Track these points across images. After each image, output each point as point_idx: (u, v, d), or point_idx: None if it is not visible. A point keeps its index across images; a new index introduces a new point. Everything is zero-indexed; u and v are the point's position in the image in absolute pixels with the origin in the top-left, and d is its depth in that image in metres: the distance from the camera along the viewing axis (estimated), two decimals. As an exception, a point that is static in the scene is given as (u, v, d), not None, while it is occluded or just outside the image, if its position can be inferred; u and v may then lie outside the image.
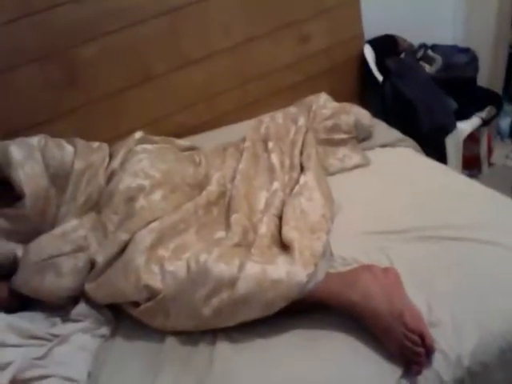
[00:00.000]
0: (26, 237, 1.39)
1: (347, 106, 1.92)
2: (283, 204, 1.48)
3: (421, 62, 2.39)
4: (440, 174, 1.72)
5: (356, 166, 1.77)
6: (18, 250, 1.37)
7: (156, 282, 1.21)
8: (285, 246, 1.31)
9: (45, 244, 1.35)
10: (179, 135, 2.02)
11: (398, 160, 1.81)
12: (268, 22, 2.20)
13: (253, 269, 1.18)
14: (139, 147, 1.59)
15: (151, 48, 2.03)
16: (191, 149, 1.82)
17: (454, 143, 2.30)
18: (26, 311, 1.35)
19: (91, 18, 1.90)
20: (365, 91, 2.42)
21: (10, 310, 1.33)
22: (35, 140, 1.52)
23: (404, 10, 2.48)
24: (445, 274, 1.27)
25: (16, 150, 1.46)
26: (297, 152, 1.70)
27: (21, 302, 1.35)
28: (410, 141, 1.93)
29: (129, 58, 2.01)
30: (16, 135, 1.61)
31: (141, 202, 1.39)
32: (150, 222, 1.32)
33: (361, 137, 1.88)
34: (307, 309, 1.22)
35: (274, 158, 1.67)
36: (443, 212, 1.48)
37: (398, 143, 1.89)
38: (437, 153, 2.14)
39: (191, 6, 2.04)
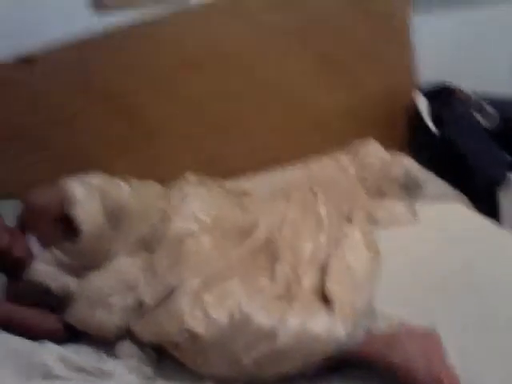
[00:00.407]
0: (81, 271, 1.47)
1: (397, 157, 1.93)
2: (328, 256, 1.49)
3: (475, 114, 2.37)
4: (491, 233, 1.68)
5: (404, 219, 1.77)
6: (72, 284, 1.44)
7: (199, 327, 1.25)
8: (327, 300, 1.32)
9: (97, 280, 1.42)
10: (230, 176, 2.08)
11: (447, 215, 1.79)
12: (322, 66, 2.25)
13: (293, 322, 1.20)
14: (192, 190, 1.65)
15: (209, 92, 2.12)
16: (241, 192, 1.87)
17: (507, 198, 2.26)
18: (74, 343, 1.41)
19: (154, 61, 2.01)
20: (416, 141, 2.42)
21: (60, 340, 1.39)
22: (95, 179, 1.61)
23: (462, 58, 2.47)
24: (490, 342, 1.24)
25: (77, 187, 1.55)
26: (345, 203, 1.72)
27: (71, 334, 1.42)
28: (460, 195, 1.91)
29: (188, 100, 2.11)
30: (77, 169, 1.72)
31: (190, 246, 1.44)
32: (198, 268, 1.37)
33: (410, 189, 1.88)
34: (346, 366, 1.23)
35: (322, 209, 1.69)
36: (494, 275, 1.45)
37: (447, 197, 1.88)
38: (489, 208, 2.11)
39: (248, 53, 2.11)
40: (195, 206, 1.57)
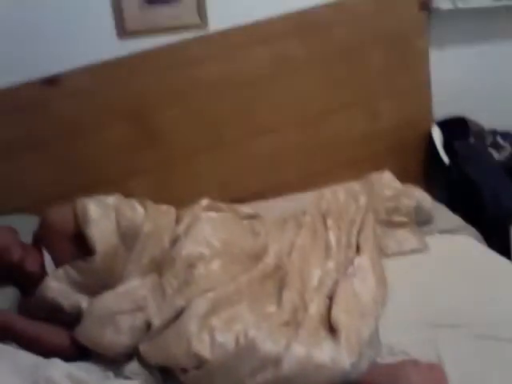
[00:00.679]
0: (93, 290, 1.49)
1: (409, 188, 1.94)
2: (336, 284, 1.50)
3: (489, 148, 2.39)
4: (502, 268, 1.68)
5: (413, 251, 1.78)
6: (84, 302, 1.47)
7: (205, 351, 1.27)
8: (333, 328, 1.33)
9: (108, 300, 1.44)
10: (243, 200, 2.12)
11: (457, 248, 1.80)
12: (340, 96, 2.29)
13: (298, 351, 1.22)
14: (204, 214, 1.68)
15: (227, 116, 2.17)
16: (253, 217, 1.89)
17: (519, 232, 2.25)
18: (83, 361, 1.43)
19: (175, 84, 2.06)
20: (430, 172, 2.43)
21: (69, 358, 1.41)
22: (111, 199, 1.65)
23: (476, 91, 2.49)
24: (496, 378, 1.24)
25: (93, 207, 1.58)
26: (355, 231, 1.74)
27: (80, 352, 1.44)
28: (471, 229, 1.91)
29: (204, 124, 2.16)
30: (95, 188, 1.76)
31: (200, 269, 1.47)
32: (207, 291, 1.39)
33: (421, 221, 1.89)
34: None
35: (332, 236, 1.71)
36: (501, 310, 1.45)
37: (458, 230, 1.89)
38: (501, 242, 2.10)
39: (267, 79, 2.16)
40: (207, 231, 1.60)
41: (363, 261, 1.59)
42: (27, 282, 1.58)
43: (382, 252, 1.76)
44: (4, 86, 1.89)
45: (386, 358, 1.31)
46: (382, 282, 1.58)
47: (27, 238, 1.69)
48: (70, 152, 2.02)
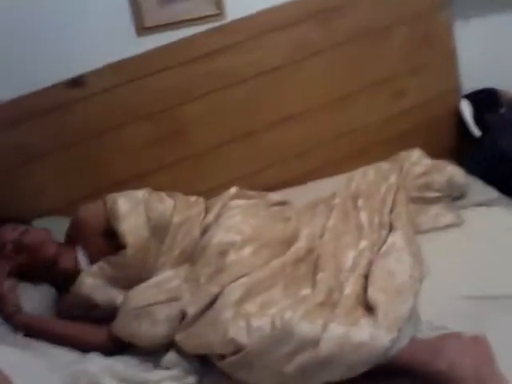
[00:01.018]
0: (127, 284, 1.51)
1: (441, 163, 1.89)
2: (370, 264, 1.48)
3: (522, 117, 2.31)
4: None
5: (449, 225, 1.73)
6: (119, 297, 1.49)
7: (242, 336, 1.26)
8: (370, 307, 1.31)
9: (142, 292, 1.45)
10: (272, 188, 2.11)
11: (493, 220, 1.74)
12: (363, 77, 2.25)
13: (336, 330, 1.20)
14: (233, 202, 1.68)
15: (250, 105, 2.15)
16: (283, 203, 1.88)
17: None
18: (122, 355, 1.44)
19: (197, 77, 2.06)
20: (461, 147, 2.37)
21: (108, 353, 1.43)
22: (140, 193, 1.66)
23: (505, 61, 2.41)
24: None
25: (123, 202, 1.60)
26: (387, 210, 1.70)
27: (118, 346, 1.46)
28: (507, 200, 1.85)
29: (229, 115, 2.15)
30: (123, 185, 1.78)
31: (232, 256, 1.47)
32: (240, 277, 1.39)
33: (454, 195, 1.84)
34: (391, 374, 1.21)
35: (363, 216, 1.68)
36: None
37: (494, 202, 1.83)
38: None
39: (288, 66, 2.14)
40: (236, 218, 1.60)
41: (397, 239, 1.56)
42: (62, 280, 1.61)
43: (416, 229, 1.72)
44: (30, 90, 1.92)
45: (426, 334, 1.28)
46: (417, 258, 1.54)
47: (60, 239, 1.73)
48: (97, 151, 2.04)
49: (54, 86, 1.95)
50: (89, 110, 2.00)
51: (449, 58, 2.32)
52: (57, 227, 1.77)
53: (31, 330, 1.46)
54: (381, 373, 1.19)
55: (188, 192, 1.85)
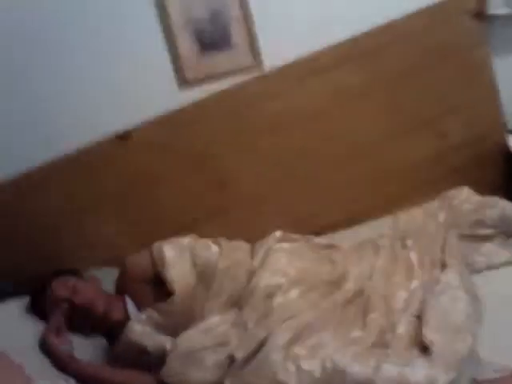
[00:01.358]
0: (175, 330, 1.50)
1: (491, 199, 1.84)
2: (423, 303, 1.42)
3: None
4: None
5: (505, 264, 1.66)
6: (168, 343, 1.48)
7: (291, 380, 1.23)
8: (424, 348, 1.25)
9: (190, 338, 1.45)
10: (320, 233, 2.08)
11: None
12: (405, 119, 2.23)
13: (389, 371, 1.15)
14: (278, 246, 1.67)
15: (293, 151, 2.16)
16: (329, 247, 1.85)
17: None
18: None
19: (238, 126, 2.11)
20: (511, 183, 2.30)
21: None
22: (186, 240, 1.69)
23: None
24: None
25: (169, 249, 1.63)
26: (437, 249, 1.66)
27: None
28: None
29: (272, 162, 2.16)
30: (172, 235, 1.80)
31: (278, 299, 1.45)
32: (287, 320, 1.36)
33: (508, 231, 1.77)
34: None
35: (413, 256, 1.64)
36: None
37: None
38: None
39: (330, 110, 2.15)
40: (282, 261, 1.59)
41: (450, 278, 1.51)
42: (113, 330, 1.62)
43: (470, 268, 1.65)
44: (78, 145, 2.00)
45: (489, 375, 1.21)
46: (474, 297, 1.47)
47: (111, 289, 1.75)
48: (144, 203, 2.08)
49: (102, 141, 2.02)
50: (136, 163, 2.06)
51: (489, 95, 2.28)
52: (108, 277, 1.81)
53: (83, 377, 1.46)
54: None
55: (240, 238, 1.85)
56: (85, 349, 1.59)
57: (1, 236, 1.99)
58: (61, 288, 1.62)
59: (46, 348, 1.47)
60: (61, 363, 1.46)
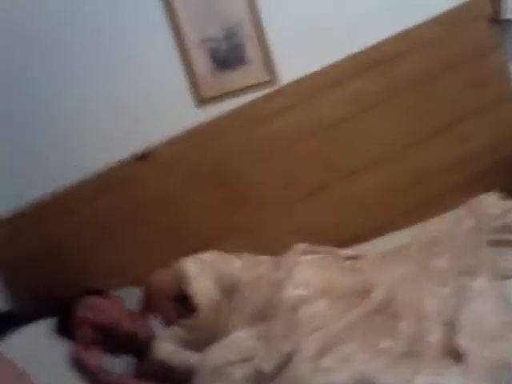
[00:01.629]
0: (201, 346, 1.49)
1: (519, 203, 1.80)
2: (455, 311, 1.38)
3: None
4: None
5: (537, 267, 1.61)
6: (194, 359, 1.46)
7: (321, 392, 1.19)
8: (458, 356, 1.21)
9: (217, 353, 1.42)
10: (346, 243, 2.06)
11: None
12: (425, 125, 2.21)
13: (422, 382, 1.11)
14: (302, 258, 1.65)
15: (313, 163, 2.15)
16: (354, 257, 1.83)
17: None
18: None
19: (257, 141, 2.11)
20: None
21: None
22: (208, 256, 1.68)
23: None
24: None
25: (191, 265, 1.62)
26: (467, 255, 1.62)
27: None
28: None
29: (292, 175, 2.16)
30: (198, 251, 1.80)
31: (304, 311, 1.43)
32: (314, 331, 1.34)
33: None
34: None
35: (442, 263, 1.60)
36: None
37: None
38: None
39: (350, 119, 2.15)
40: (306, 273, 1.57)
41: (481, 284, 1.46)
42: (140, 349, 1.60)
43: (500, 273, 1.61)
44: (98, 168, 2.02)
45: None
46: (506, 303, 1.43)
47: (134, 309, 1.75)
48: (165, 221, 2.09)
49: (121, 162, 2.04)
50: (156, 182, 2.07)
51: (508, 97, 2.25)
52: (132, 297, 1.80)
53: None
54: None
55: (262, 253, 1.84)
56: (113, 366, 1.58)
57: (27, 259, 2.01)
58: (85, 309, 1.62)
59: (75, 362, 1.47)
60: (91, 375, 1.46)
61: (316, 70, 2.09)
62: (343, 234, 2.15)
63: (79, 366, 1.47)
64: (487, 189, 1.97)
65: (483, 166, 2.23)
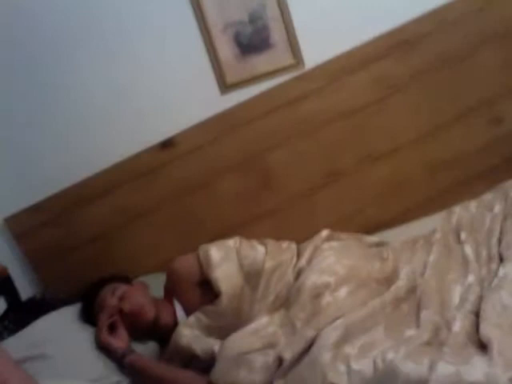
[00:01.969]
0: (223, 332, 1.49)
1: (552, 186, 1.73)
2: (480, 299, 1.35)
3: None
4: None
5: None
6: (216, 345, 1.47)
7: (342, 380, 1.19)
8: (482, 346, 1.18)
9: (239, 340, 1.43)
10: (369, 230, 2.03)
11: None
12: (454, 106, 2.14)
13: (445, 370, 1.09)
14: (325, 245, 1.64)
15: (337, 147, 2.13)
16: (379, 244, 1.80)
17: None
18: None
19: (281, 125, 2.09)
20: None
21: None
22: (231, 242, 1.68)
23: None
24: None
25: (215, 251, 1.62)
26: (494, 241, 1.56)
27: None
28: None
29: (317, 159, 2.13)
30: (218, 239, 1.80)
31: (327, 298, 1.41)
32: (336, 319, 1.32)
33: None
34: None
35: (468, 250, 1.56)
36: None
37: None
38: None
39: (373, 104, 2.10)
40: (329, 259, 1.55)
41: (509, 270, 1.41)
42: (163, 335, 1.62)
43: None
44: (125, 156, 2.05)
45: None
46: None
47: (159, 295, 1.77)
48: (190, 209, 2.10)
49: (147, 150, 2.05)
50: (181, 169, 2.09)
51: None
52: (156, 283, 1.82)
53: (138, 369, 1.49)
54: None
55: (286, 239, 1.83)
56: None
57: (53, 247, 2.06)
58: (108, 297, 1.64)
59: (101, 346, 1.50)
60: (117, 358, 1.49)
61: (341, 52, 2.04)
62: (367, 220, 2.13)
63: (103, 346, 1.51)
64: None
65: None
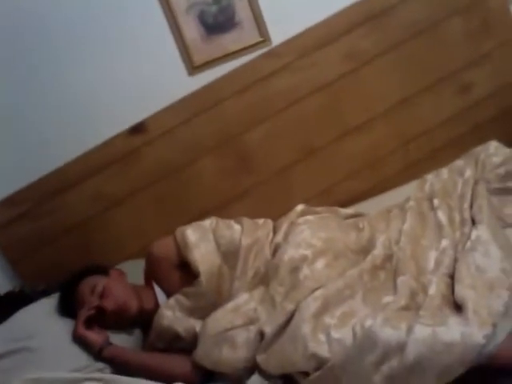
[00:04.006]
0: (204, 312, 1.50)
1: (521, 150, 1.76)
2: (455, 262, 1.37)
3: None
4: None
5: (538, 213, 1.59)
6: (197, 325, 1.47)
7: (323, 350, 1.20)
8: (458, 307, 1.20)
9: (219, 318, 1.44)
10: (346, 203, 2.05)
11: None
12: (423, 77, 2.17)
13: (422, 332, 1.11)
14: (301, 219, 1.64)
15: (311, 123, 2.14)
16: (355, 216, 1.81)
17: None
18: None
19: (254, 104, 2.08)
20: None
21: (194, 382, 1.42)
22: (207, 222, 1.68)
23: None
24: None
25: (191, 232, 1.62)
26: (466, 206, 1.59)
27: (203, 375, 1.44)
28: None
29: (292, 136, 2.14)
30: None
31: (304, 271, 1.42)
32: (315, 290, 1.34)
33: (541, 181, 1.69)
34: (488, 380, 1.09)
35: (441, 215, 1.58)
36: None
37: None
38: None
39: (344, 77, 2.11)
40: (305, 233, 1.56)
41: (481, 232, 1.44)
42: (146, 319, 1.62)
43: (501, 222, 1.59)
44: (95, 143, 2.02)
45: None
46: (508, 251, 1.41)
47: (139, 281, 1.75)
48: (165, 191, 2.09)
49: (118, 136, 2.03)
50: (154, 153, 2.07)
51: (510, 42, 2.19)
52: (137, 269, 1.81)
53: (118, 362, 1.48)
54: (475, 379, 1.08)
55: (263, 217, 1.84)
56: (119, 339, 1.59)
57: (29, 239, 2.03)
58: (89, 293, 1.57)
59: (78, 340, 1.49)
60: (95, 352, 1.48)
61: (308, 27, 2.04)
62: (343, 194, 2.15)
63: (81, 341, 1.49)
64: (489, 138, 1.93)
65: (485, 116, 2.19)
